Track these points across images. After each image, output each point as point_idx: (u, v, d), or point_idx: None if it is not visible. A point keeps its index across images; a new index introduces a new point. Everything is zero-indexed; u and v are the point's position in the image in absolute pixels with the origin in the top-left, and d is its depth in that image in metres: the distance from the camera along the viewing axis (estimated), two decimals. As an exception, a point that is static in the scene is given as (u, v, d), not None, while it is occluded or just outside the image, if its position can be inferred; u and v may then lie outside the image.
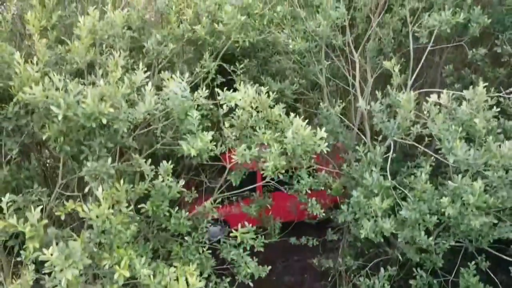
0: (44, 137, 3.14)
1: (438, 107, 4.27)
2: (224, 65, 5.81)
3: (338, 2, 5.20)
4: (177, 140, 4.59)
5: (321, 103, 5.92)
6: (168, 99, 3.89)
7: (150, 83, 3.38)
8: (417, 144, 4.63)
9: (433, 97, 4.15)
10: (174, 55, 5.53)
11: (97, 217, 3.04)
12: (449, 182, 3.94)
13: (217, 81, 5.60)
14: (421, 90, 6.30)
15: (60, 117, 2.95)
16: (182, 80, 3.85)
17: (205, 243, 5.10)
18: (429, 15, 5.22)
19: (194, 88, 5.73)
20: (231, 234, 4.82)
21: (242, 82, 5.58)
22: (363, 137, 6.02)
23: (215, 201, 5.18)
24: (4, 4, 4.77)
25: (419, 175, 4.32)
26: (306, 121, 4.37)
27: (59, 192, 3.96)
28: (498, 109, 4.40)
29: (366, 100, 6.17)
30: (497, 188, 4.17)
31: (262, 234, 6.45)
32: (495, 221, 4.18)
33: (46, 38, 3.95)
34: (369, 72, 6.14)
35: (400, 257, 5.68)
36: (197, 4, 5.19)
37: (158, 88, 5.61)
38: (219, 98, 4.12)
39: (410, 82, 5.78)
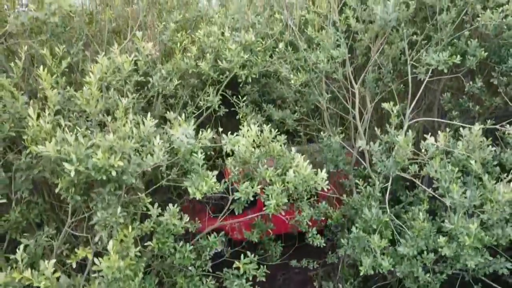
0: (56, 190, 3.27)
1: (436, 146, 4.40)
2: (227, 95, 5.94)
3: (338, 36, 5.33)
4: (182, 176, 4.74)
5: (321, 133, 6.05)
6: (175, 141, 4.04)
7: (158, 137, 3.49)
8: (415, 180, 4.76)
9: (431, 139, 4.28)
10: (177, 86, 5.67)
11: (108, 267, 3.17)
12: (446, 223, 4.07)
13: (221, 112, 5.74)
14: (420, 119, 6.44)
15: (72, 174, 3.08)
16: (188, 125, 3.98)
17: (208, 271, 5.25)
18: (426, 50, 5.36)
19: (197, 117, 5.89)
20: (234, 266, 5.00)
21: (245, 116, 5.74)
22: (363, 161, 6.16)
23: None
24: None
25: (417, 212, 4.46)
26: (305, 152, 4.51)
27: (68, 230, 4.11)
28: (494, 148, 4.52)
29: (365, 124, 6.32)
30: (493, 224, 4.30)
31: (263, 257, 6.63)
32: (490, 258, 4.31)
33: (56, 83, 4.08)
34: (368, 100, 6.27)
35: (399, 277, 5.80)
36: (200, 39, 5.32)
37: (162, 117, 5.77)
38: (223, 141, 4.24)
39: (408, 111, 5.91)
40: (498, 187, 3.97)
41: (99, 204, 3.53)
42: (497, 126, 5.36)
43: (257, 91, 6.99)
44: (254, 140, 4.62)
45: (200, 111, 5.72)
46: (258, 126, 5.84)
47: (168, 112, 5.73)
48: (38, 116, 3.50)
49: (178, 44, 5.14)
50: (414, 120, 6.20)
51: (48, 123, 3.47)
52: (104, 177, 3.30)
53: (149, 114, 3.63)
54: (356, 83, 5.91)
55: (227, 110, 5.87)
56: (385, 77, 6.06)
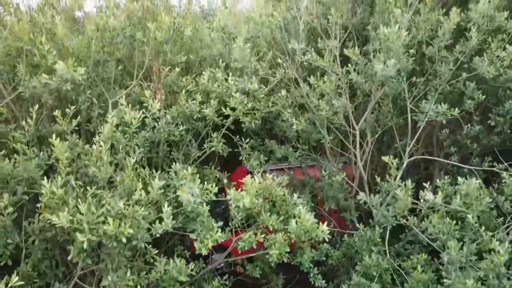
0: (69, 257, 3.40)
1: (434, 198, 4.52)
2: (230, 135, 6.07)
3: (339, 82, 5.46)
4: (186, 223, 4.87)
5: (323, 171, 6.18)
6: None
7: (166, 203, 3.62)
8: (413, 227, 4.89)
9: (429, 195, 4.41)
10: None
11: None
12: (444, 276, 4.21)
13: (224, 153, 5.86)
14: (418, 157, 6.57)
15: (85, 245, 3.21)
16: (194, 183, 4.11)
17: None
18: (425, 95, 5.48)
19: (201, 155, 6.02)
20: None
21: (247, 158, 5.86)
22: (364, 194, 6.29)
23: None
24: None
25: (416, 261, 4.60)
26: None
27: (77, 281, 4.25)
28: (490, 200, 4.64)
29: (366, 156, 6.45)
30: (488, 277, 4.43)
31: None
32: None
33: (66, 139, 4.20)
34: (369, 134, 6.39)
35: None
36: (204, 84, 5.44)
37: (166, 156, 5.91)
38: (228, 197, 4.37)
39: (408, 149, 6.03)
40: (494, 243, 4.10)
41: (109, 265, 3.67)
42: (495, 169, 5.48)
43: (260, 124, 7.11)
44: (257, 190, 4.74)
45: (203, 151, 5.85)
46: (260, 166, 6.00)
47: (173, 151, 5.89)
48: (50, 179, 3.63)
49: (183, 91, 5.27)
50: (413, 158, 6.34)
51: (59, 187, 3.60)
52: (115, 244, 3.43)
53: (157, 178, 3.75)
54: (357, 124, 6.04)
55: (230, 150, 5.98)
56: (385, 116, 6.19)
